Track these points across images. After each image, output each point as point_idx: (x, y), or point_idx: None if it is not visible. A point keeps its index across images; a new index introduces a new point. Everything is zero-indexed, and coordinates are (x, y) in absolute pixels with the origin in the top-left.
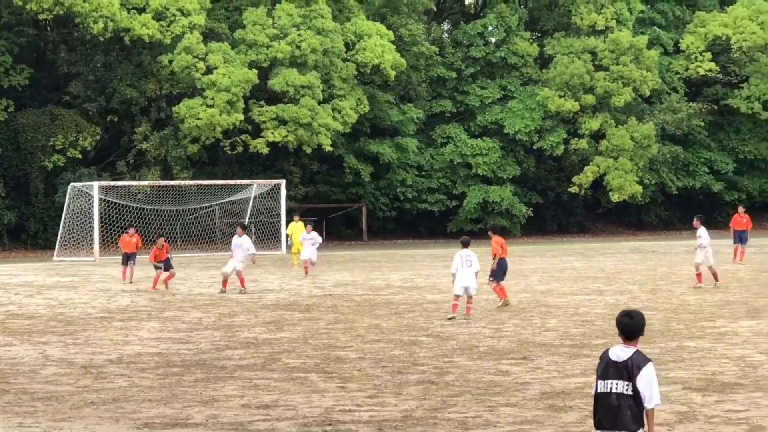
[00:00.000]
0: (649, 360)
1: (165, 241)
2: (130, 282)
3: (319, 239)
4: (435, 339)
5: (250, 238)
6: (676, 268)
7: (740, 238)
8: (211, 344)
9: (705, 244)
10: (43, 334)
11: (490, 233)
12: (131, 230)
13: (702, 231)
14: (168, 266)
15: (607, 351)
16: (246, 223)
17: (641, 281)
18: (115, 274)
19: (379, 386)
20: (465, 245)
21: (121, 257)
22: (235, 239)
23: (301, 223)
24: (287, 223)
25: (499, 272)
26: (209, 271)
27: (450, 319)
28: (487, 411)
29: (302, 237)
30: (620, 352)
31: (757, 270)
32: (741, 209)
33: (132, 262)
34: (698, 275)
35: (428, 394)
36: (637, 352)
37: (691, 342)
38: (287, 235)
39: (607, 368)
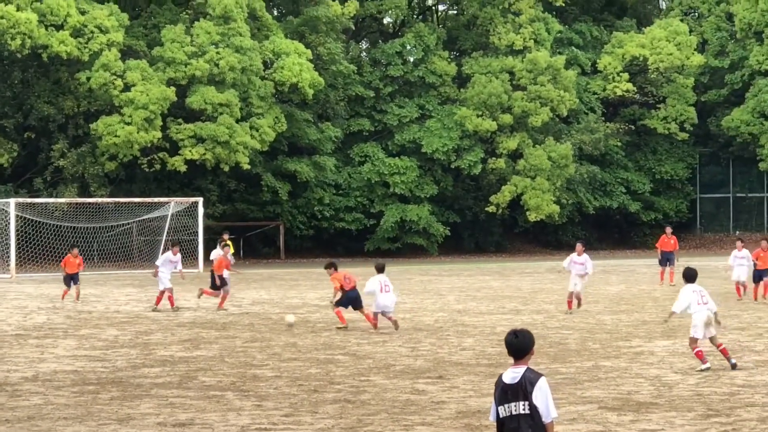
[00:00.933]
0: (541, 375)
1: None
2: (77, 300)
3: (590, 265)
4: (351, 357)
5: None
6: (593, 288)
7: (668, 259)
8: (127, 362)
9: (589, 272)
10: None
11: (327, 271)
12: (75, 251)
13: (585, 257)
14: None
15: (500, 376)
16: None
17: (558, 301)
18: (31, 291)
19: (295, 405)
20: (380, 270)
21: (63, 277)
22: (170, 255)
23: (229, 243)
24: (205, 241)
25: (344, 300)
26: (126, 289)
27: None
28: (403, 430)
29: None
30: (512, 374)
31: (674, 290)
32: (668, 230)
33: (76, 282)
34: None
35: (344, 412)
36: (528, 369)
37: (606, 362)
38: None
39: (504, 392)
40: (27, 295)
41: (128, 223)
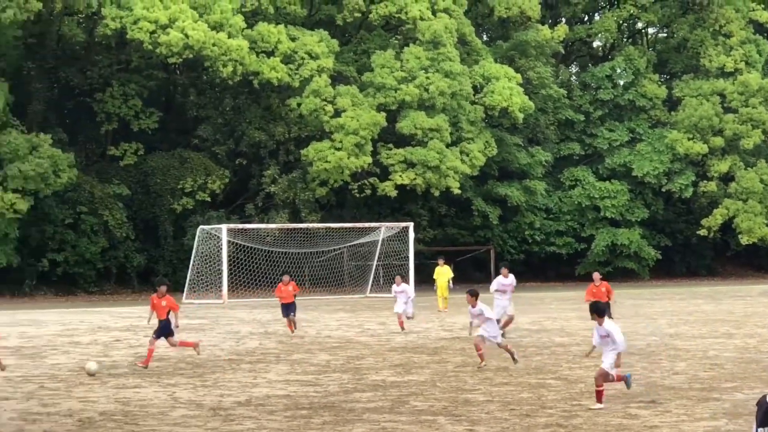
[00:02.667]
0: None
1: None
2: (292, 331)
3: (412, 294)
4: (563, 382)
5: (379, 281)
6: None
7: None
8: (339, 387)
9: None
10: (172, 376)
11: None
12: (286, 278)
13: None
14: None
15: (764, 396)
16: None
17: None
18: (243, 317)
19: (507, 429)
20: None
21: (280, 308)
22: (395, 287)
23: (447, 268)
24: (415, 266)
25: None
26: (337, 314)
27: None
28: None
29: (393, 290)
30: None
31: None
32: None
33: (292, 312)
34: None
35: None
36: None
37: None
38: (434, 279)
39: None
40: (239, 320)
41: (339, 249)
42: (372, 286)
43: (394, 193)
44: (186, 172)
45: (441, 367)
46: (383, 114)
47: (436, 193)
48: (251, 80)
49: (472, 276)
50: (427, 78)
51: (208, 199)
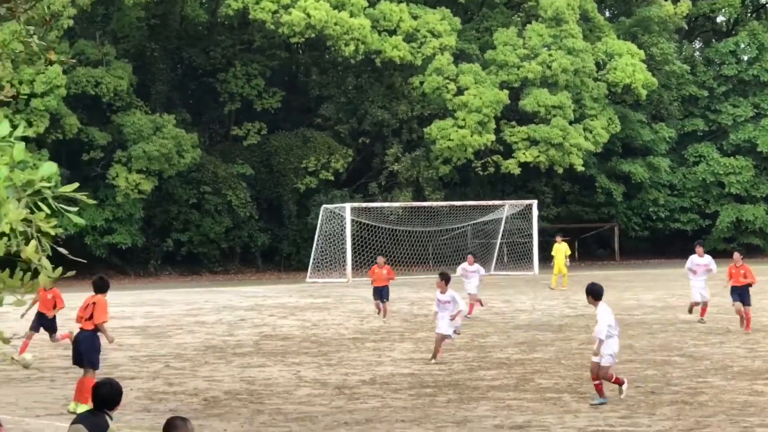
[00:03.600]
0: None
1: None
2: (384, 318)
3: (483, 271)
4: (688, 359)
5: (503, 259)
6: None
7: None
8: (463, 365)
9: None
10: (297, 355)
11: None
12: (381, 259)
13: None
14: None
15: None
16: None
17: None
18: (367, 295)
19: (632, 406)
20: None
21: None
22: (466, 266)
23: (565, 245)
24: (539, 243)
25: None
26: (462, 292)
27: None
28: None
29: (462, 268)
30: None
31: None
32: None
33: (385, 299)
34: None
35: (682, 414)
36: None
37: None
38: (552, 256)
39: None
40: (363, 299)
41: (463, 227)
42: (496, 263)
43: (517, 171)
44: (309, 151)
45: (566, 345)
46: (506, 92)
47: (560, 171)
48: (373, 59)
49: (596, 253)
50: (550, 55)
51: (332, 178)
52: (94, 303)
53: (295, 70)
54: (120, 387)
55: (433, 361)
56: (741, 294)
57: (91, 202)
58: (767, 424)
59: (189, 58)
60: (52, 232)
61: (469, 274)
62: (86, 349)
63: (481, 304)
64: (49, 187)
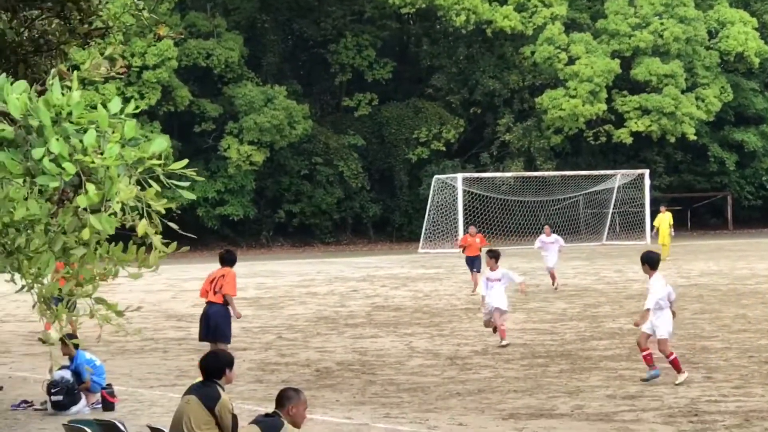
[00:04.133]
0: None
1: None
2: (474, 291)
3: (562, 242)
4: None
5: (615, 228)
6: None
7: None
8: (575, 335)
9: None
10: (409, 325)
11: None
12: (472, 229)
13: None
14: (476, 267)
15: None
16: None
17: None
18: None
19: (745, 376)
20: None
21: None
22: (545, 238)
23: (668, 214)
24: (651, 213)
25: None
26: (573, 262)
27: None
28: None
29: (540, 241)
30: None
31: None
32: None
33: (476, 269)
34: None
35: None
36: None
37: None
38: (654, 227)
39: None
40: None
41: (575, 196)
42: (608, 233)
43: (629, 140)
44: (420, 121)
45: (678, 314)
46: (617, 61)
47: (672, 140)
48: (484, 29)
49: (708, 222)
50: (662, 24)
51: (443, 148)
52: (222, 276)
53: (405, 41)
54: (226, 357)
55: (503, 342)
56: None
57: (199, 179)
58: None
59: (300, 29)
60: (162, 210)
61: (548, 245)
62: (218, 323)
63: (553, 283)
64: (160, 165)
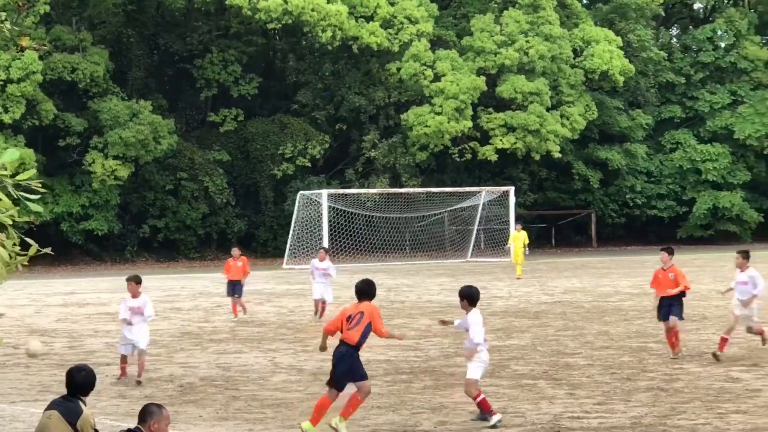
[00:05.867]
0: None
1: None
2: (235, 316)
3: (333, 272)
4: (664, 345)
5: (480, 245)
6: None
7: None
8: (439, 351)
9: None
10: (273, 341)
11: None
12: (236, 251)
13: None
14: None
15: None
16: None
17: None
18: (344, 281)
19: (607, 393)
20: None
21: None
22: (316, 262)
23: (523, 233)
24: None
25: None
26: (438, 279)
27: None
28: (717, 418)
29: (313, 266)
30: None
31: None
32: None
33: (237, 294)
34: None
35: (657, 400)
36: None
37: None
38: (508, 245)
39: None
40: (340, 285)
41: (440, 213)
42: (473, 250)
43: (494, 157)
44: (286, 137)
45: (542, 331)
46: (483, 78)
47: (537, 157)
48: (350, 45)
49: (573, 240)
50: (527, 42)
51: (308, 164)
52: (358, 313)
53: (272, 57)
54: (94, 373)
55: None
56: (670, 306)
57: (42, 190)
58: (743, 411)
59: (166, 44)
60: (8, 222)
61: (318, 272)
62: (352, 364)
63: (322, 311)
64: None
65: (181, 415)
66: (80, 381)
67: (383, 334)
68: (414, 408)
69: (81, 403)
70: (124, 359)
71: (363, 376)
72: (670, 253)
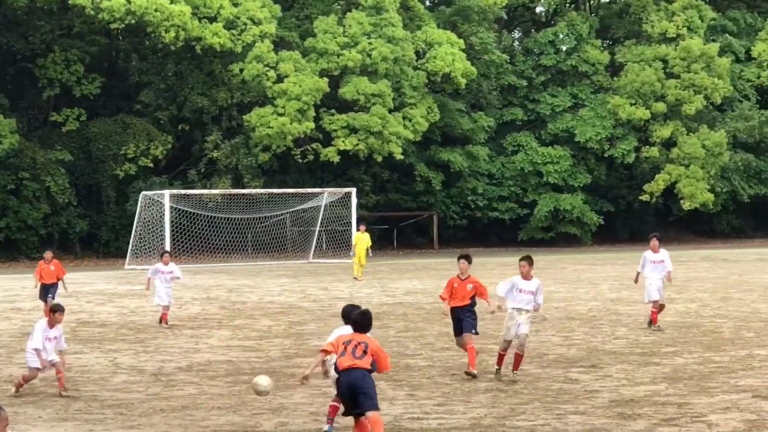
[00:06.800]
0: None
1: (53, 257)
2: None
3: (180, 275)
4: None
5: (321, 246)
6: (748, 276)
7: None
8: (281, 352)
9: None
10: (114, 341)
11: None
12: (48, 254)
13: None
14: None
15: None
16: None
17: (712, 289)
18: (186, 282)
19: (447, 394)
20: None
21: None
22: (161, 266)
23: (367, 235)
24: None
25: None
26: (279, 280)
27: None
28: (556, 419)
29: (157, 270)
30: None
31: None
32: None
33: (52, 296)
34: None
35: (497, 402)
36: None
37: (761, 350)
38: (353, 245)
39: None
40: (182, 286)
41: (282, 214)
42: (315, 251)
43: (336, 159)
44: (128, 137)
45: (383, 333)
46: (326, 80)
47: (379, 159)
48: (194, 46)
49: (415, 241)
50: (370, 44)
51: (151, 165)
52: (361, 343)
53: (115, 56)
54: None
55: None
56: (461, 319)
57: None
58: (581, 412)
59: (7, 43)
60: None
61: (164, 275)
62: (367, 390)
63: (164, 322)
64: None
65: (20, 416)
66: None
67: (383, 369)
68: (254, 409)
69: None
70: None
71: (375, 403)
72: (470, 261)
